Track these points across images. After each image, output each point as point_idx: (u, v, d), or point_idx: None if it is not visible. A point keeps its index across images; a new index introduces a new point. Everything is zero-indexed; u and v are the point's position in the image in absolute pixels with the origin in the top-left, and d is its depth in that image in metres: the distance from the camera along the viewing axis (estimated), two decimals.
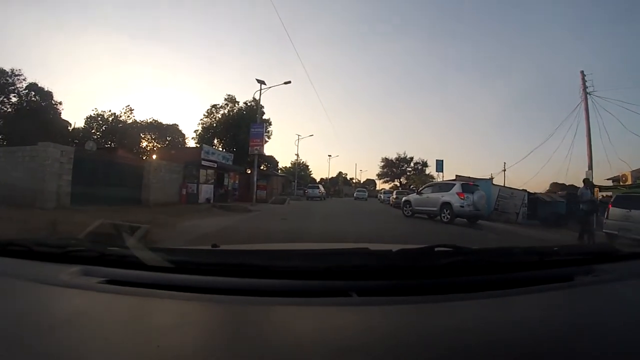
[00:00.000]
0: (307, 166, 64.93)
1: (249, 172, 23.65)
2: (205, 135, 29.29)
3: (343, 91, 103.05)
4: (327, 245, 1.16)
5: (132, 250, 0.84)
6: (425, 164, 55.83)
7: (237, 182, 22.90)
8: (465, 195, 11.41)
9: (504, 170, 27.06)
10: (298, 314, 0.65)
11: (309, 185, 36.06)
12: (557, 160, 42.71)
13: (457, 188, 11.82)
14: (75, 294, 0.70)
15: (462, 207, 11.31)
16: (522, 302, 0.73)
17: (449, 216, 11.42)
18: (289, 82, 20.59)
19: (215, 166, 18.49)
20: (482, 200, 11.94)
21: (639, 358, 0.54)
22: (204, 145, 20.65)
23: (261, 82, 19.89)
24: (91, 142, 19.93)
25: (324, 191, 33.65)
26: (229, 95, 31.51)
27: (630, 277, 0.89)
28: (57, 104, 29.47)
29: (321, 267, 0.79)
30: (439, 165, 25.40)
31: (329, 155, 57.07)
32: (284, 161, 68.23)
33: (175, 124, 38.61)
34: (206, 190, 17.46)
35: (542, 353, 0.53)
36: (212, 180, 18.86)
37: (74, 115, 46.35)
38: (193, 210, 11.64)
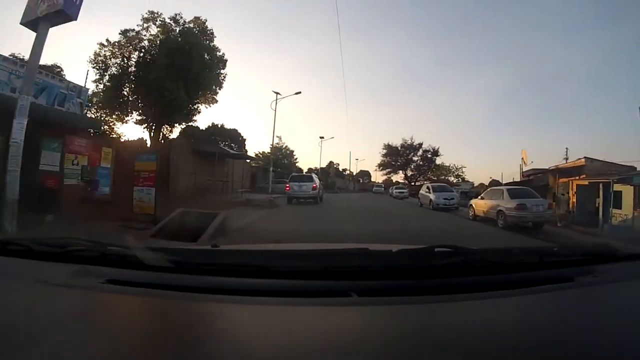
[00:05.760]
0: (292, 151, 47.80)
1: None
2: (112, 82, 17.33)
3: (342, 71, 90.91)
4: (327, 246, 1.16)
5: (132, 250, 0.83)
6: (436, 152, 44.45)
7: (110, 164, 9.10)
8: None
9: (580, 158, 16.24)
10: (298, 314, 0.66)
11: (293, 175, 19.18)
12: None
13: None
14: (75, 294, 0.71)
15: None
16: (522, 302, 0.73)
17: None
18: None
19: None
20: None
21: (638, 359, 0.54)
22: None
23: None
24: None
25: (319, 186, 17.90)
26: (150, 12, 17.65)
27: (630, 278, 0.88)
28: None
29: (321, 268, 0.80)
30: None
31: (321, 137, 38.69)
32: (261, 145, 53.27)
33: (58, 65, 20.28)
34: None
35: (542, 354, 0.53)
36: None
37: None
38: None
